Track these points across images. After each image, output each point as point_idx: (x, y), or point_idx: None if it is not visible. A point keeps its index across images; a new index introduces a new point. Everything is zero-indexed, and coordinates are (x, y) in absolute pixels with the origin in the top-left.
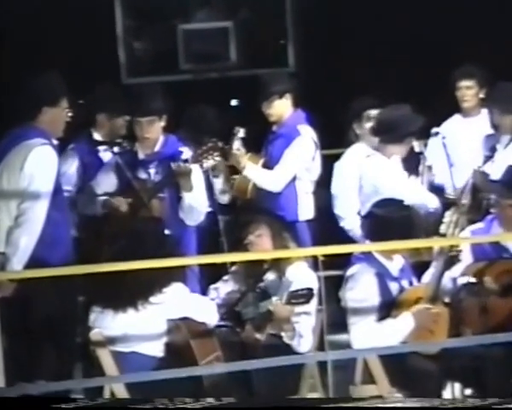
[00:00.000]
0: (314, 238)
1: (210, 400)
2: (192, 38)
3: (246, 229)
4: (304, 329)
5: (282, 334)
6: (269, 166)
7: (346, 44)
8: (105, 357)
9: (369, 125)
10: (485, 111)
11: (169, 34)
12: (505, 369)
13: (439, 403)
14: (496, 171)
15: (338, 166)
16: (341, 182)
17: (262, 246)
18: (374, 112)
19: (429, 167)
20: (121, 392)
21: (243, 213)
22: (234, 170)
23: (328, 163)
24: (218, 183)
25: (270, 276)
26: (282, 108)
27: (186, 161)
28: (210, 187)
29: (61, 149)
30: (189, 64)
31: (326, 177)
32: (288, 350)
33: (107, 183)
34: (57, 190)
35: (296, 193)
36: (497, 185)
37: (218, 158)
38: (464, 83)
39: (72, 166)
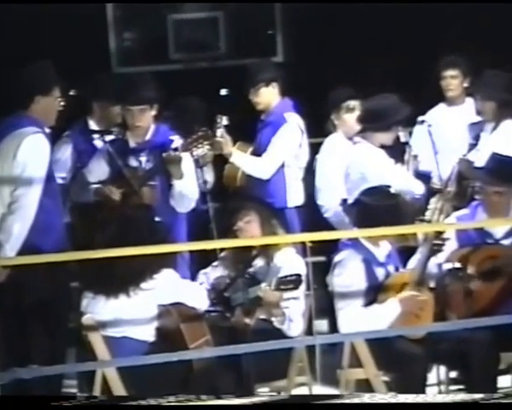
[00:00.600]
0: (302, 225)
1: (204, 397)
2: (182, 28)
3: (235, 215)
4: (293, 313)
5: (273, 319)
6: (257, 153)
7: (333, 34)
8: (97, 342)
9: (348, 115)
10: (469, 100)
11: (159, 24)
12: (489, 352)
13: (431, 398)
14: (480, 158)
15: (320, 159)
16: (324, 173)
17: (251, 232)
18: (354, 102)
19: (415, 156)
20: (113, 376)
21: (233, 199)
22: (224, 158)
23: (317, 151)
24: (208, 170)
25: (258, 262)
26: (268, 96)
27: (176, 149)
28: (200, 175)
29: (54, 138)
30: (179, 54)
31: (314, 164)
32: (277, 334)
33: (98, 171)
34: (50, 177)
35: (285, 180)
36: (482, 173)
37: (207, 146)
38: (449, 72)
39: (66, 154)
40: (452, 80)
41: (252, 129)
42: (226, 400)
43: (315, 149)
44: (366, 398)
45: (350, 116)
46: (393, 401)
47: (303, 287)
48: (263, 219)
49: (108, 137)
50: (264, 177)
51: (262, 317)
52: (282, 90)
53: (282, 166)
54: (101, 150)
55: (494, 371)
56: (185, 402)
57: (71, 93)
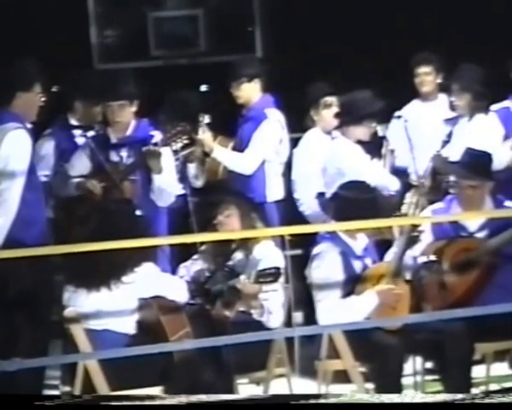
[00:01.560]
0: (282, 219)
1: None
2: (162, 25)
3: (215, 209)
4: (272, 305)
5: (252, 311)
6: (238, 148)
7: (311, 30)
8: (79, 334)
9: (326, 111)
10: (442, 96)
11: (140, 21)
12: (463, 343)
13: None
14: (455, 153)
15: (297, 153)
16: (300, 167)
17: (231, 226)
18: (332, 98)
19: (392, 151)
20: (94, 368)
21: (213, 193)
22: (206, 153)
23: (296, 146)
24: (192, 167)
25: (238, 255)
26: (249, 91)
27: (156, 144)
28: (182, 170)
29: (36, 133)
30: (159, 50)
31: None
32: (257, 326)
33: (80, 165)
34: (32, 172)
35: (265, 175)
36: (456, 167)
37: (186, 141)
38: (422, 69)
39: (49, 151)
40: (426, 77)
41: (232, 124)
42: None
43: (295, 144)
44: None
45: (327, 112)
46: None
47: (281, 280)
48: (243, 214)
49: (90, 133)
50: (247, 172)
51: (241, 309)
52: (264, 87)
53: (263, 161)
54: (83, 146)
55: (469, 362)
56: (166, 400)
57: (52, 89)
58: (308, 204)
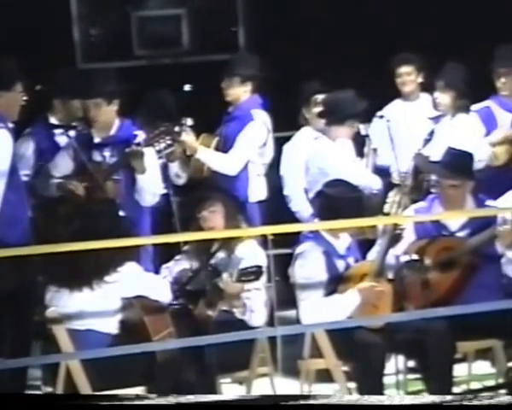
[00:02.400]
0: (265, 219)
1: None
2: (146, 25)
3: (201, 204)
4: (255, 304)
5: (234, 310)
6: (222, 147)
7: (296, 30)
8: (61, 334)
9: (316, 109)
10: (424, 95)
11: (123, 21)
12: (445, 341)
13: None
14: (436, 152)
15: (286, 149)
16: (289, 163)
17: (214, 222)
18: (321, 96)
19: (374, 150)
20: (76, 368)
21: (200, 189)
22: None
23: (281, 145)
24: (174, 167)
25: (220, 254)
26: (239, 92)
27: (139, 144)
28: (165, 169)
29: (17, 133)
30: (142, 50)
31: (279, 159)
32: (240, 325)
33: (63, 165)
34: (14, 172)
35: (248, 175)
36: (438, 166)
37: (169, 142)
38: (403, 69)
39: (29, 150)
40: (407, 77)
41: (216, 124)
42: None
43: (279, 143)
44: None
45: (318, 110)
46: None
47: (264, 279)
48: (228, 211)
49: (72, 133)
50: (231, 173)
51: (224, 308)
52: (254, 89)
53: (247, 162)
54: (65, 145)
55: (450, 360)
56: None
57: (35, 89)
58: (297, 202)
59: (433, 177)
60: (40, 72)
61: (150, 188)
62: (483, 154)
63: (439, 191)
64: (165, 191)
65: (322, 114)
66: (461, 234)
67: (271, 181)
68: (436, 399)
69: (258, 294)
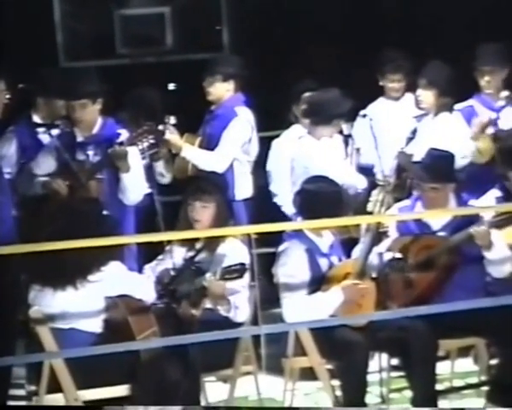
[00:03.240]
0: (251, 217)
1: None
2: (129, 23)
3: (196, 194)
4: (239, 300)
5: (219, 307)
6: (205, 145)
7: (279, 29)
8: (44, 334)
9: (302, 107)
10: (408, 94)
11: (106, 19)
12: (428, 339)
13: None
14: (419, 151)
15: (275, 145)
16: (276, 161)
17: (201, 217)
18: (307, 94)
19: (357, 149)
20: (60, 367)
21: (203, 180)
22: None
23: (265, 145)
24: (159, 166)
25: (204, 253)
26: (222, 90)
27: (122, 143)
28: (149, 169)
29: (0, 131)
30: (126, 48)
31: (263, 158)
32: (224, 324)
33: (45, 164)
34: None
35: (233, 173)
36: (419, 168)
37: (153, 141)
38: (395, 76)
39: (12, 148)
40: (397, 83)
41: (199, 123)
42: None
43: (264, 142)
44: None
45: None
46: None
47: (247, 277)
48: (217, 213)
49: (55, 131)
50: (218, 171)
51: (208, 307)
52: (237, 88)
53: (232, 159)
54: (48, 144)
55: (433, 358)
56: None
57: (18, 87)
58: (283, 198)
59: (415, 179)
60: (23, 70)
61: (134, 187)
62: (466, 151)
63: (420, 193)
64: (149, 190)
65: (308, 113)
66: (443, 233)
67: (257, 179)
68: None
69: (242, 290)
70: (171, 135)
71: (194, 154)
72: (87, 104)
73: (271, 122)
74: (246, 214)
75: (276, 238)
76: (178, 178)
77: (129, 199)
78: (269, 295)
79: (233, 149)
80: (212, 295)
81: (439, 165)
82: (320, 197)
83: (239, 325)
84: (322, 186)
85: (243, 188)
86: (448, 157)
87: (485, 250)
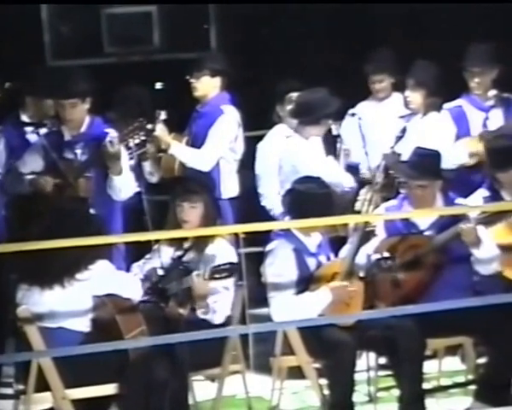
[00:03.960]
0: (237, 216)
1: None
2: (116, 22)
3: (184, 195)
4: (218, 304)
5: (197, 309)
6: (192, 144)
7: (267, 28)
8: (32, 333)
9: (289, 107)
10: (397, 94)
11: (93, 18)
12: (415, 339)
13: None
14: (407, 151)
15: (260, 147)
16: (263, 162)
17: (190, 217)
18: (294, 94)
19: (345, 148)
20: (48, 366)
21: (191, 180)
22: (162, 151)
23: (252, 144)
24: (147, 165)
25: (192, 252)
26: (208, 86)
27: (113, 142)
28: (137, 167)
29: None
30: (113, 47)
31: (250, 158)
32: (203, 326)
33: (33, 163)
34: None
35: (220, 172)
36: (406, 167)
37: (143, 138)
38: (376, 77)
39: (0, 149)
40: (379, 84)
41: (185, 121)
42: None
43: (250, 142)
44: None
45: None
46: None
47: (235, 277)
48: (206, 213)
49: (43, 130)
50: (205, 169)
51: (195, 307)
52: (224, 85)
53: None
54: (35, 143)
55: (421, 357)
56: None
57: (5, 86)
58: (271, 200)
59: (402, 177)
60: (10, 69)
61: (125, 188)
62: (454, 152)
63: (407, 192)
64: (137, 189)
65: (296, 113)
66: (430, 232)
67: (243, 178)
68: None
69: (225, 294)
70: (161, 131)
71: (181, 151)
72: (77, 103)
73: (259, 121)
74: (232, 213)
75: (263, 238)
76: (166, 178)
77: (119, 197)
78: (257, 295)
79: (219, 147)
80: (196, 294)
81: (425, 162)
82: (310, 197)
83: (218, 326)
84: (312, 186)
85: (229, 187)
86: (434, 155)
87: (473, 248)
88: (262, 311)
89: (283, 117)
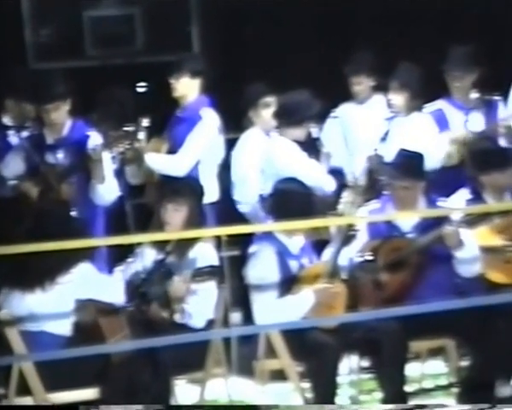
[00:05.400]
0: (218, 220)
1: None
2: (98, 24)
3: (170, 196)
4: (195, 309)
5: (174, 313)
6: (172, 150)
7: (249, 30)
8: (13, 337)
9: (265, 111)
10: (378, 96)
11: (75, 20)
12: (398, 341)
13: None
14: (389, 153)
15: (235, 154)
16: (240, 166)
17: (173, 219)
18: (270, 98)
19: (327, 150)
20: (30, 370)
21: (176, 183)
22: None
23: (232, 147)
24: (130, 170)
25: (174, 255)
26: (188, 87)
27: (96, 149)
28: (120, 172)
29: None
30: (95, 50)
31: (230, 160)
32: (184, 329)
33: (14, 166)
34: None
35: (199, 176)
36: (389, 168)
37: (128, 146)
38: (354, 79)
39: None
40: (358, 86)
41: (168, 124)
42: None
43: (230, 145)
44: None
45: (267, 112)
46: None
47: (216, 280)
48: (189, 217)
49: (24, 133)
50: (180, 174)
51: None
52: (203, 87)
53: (197, 162)
54: (17, 146)
55: (403, 360)
56: None
57: None
58: (249, 205)
59: (385, 178)
60: None
61: (109, 195)
62: (436, 153)
63: (390, 193)
64: (119, 193)
65: (278, 116)
66: (412, 234)
67: (225, 180)
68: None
69: (203, 298)
70: (139, 145)
71: (155, 160)
72: (59, 106)
73: (240, 124)
74: (213, 218)
75: (246, 240)
76: (147, 184)
77: (102, 203)
78: (239, 298)
79: (195, 152)
80: (175, 298)
81: (409, 163)
82: (293, 199)
83: (200, 329)
84: (294, 188)
85: (209, 191)
86: (418, 157)
87: (455, 249)
88: (245, 314)
89: (256, 121)
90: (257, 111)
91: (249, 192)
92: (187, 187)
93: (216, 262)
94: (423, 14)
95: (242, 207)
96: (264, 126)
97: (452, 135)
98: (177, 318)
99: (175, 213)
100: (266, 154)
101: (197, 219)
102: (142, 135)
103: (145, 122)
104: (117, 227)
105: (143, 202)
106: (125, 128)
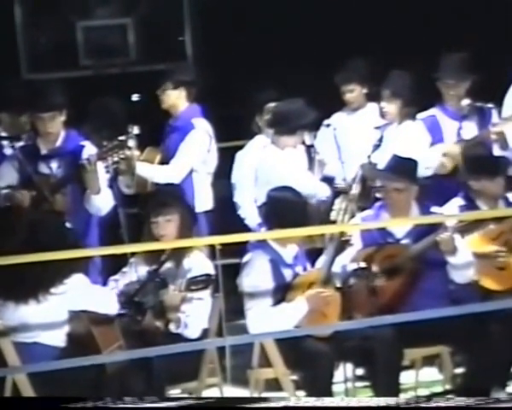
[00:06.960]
0: (212, 229)
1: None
2: (91, 35)
3: (159, 209)
4: (190, 319)
5: (169, 323)
6: (166, 159)
7: (242, 39)
8: (7, 348)
9: (266, 117)
10: (371, 104)
11: (69, 30)
12: (393, 349)
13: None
14: (382, 160)
15: (239, 156)
16: (240, 171)
17: (167, 231)
18: (273, 105)
19: (321, 158)
20: (23, 382)
21: (162, 194)
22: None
23: (225, 155)
24: (123, 179)
25: (168, 265)
26: (174, 98)
27: (90, 160)
28: (113, 181)
29: None
30: (88, 60)
31: (224, 169)
32: (178, 339)
33: (8, 177)
34: None
35: (193, 185)
36: (383, 173)
37: (122, 156)
38: (346, 87)
39: None
40: (349, 94)
41: (162, 134)
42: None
43: (223, 153)
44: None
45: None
46: None
47: (211, 289)
48: (182, 223)
49: (18, 144)
50: (175, 181)
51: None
52: (191, 96)
53: (190, 171)
54: (10, 157)
55: (398, 367)
56: None
57: None
58: (246, 210)
59: (378, 182)
60: None
61: (104, 206)
62: (430, 161)
63: (384, 196)
64: (113, 203)
65: (272, 123)
66: (406, 241)
67: (219, 189)
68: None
69: (198, 308)
70: (129, 153)
71: (147, 171)
72: (55, 116)
73: (233, 132)
74: (207, 227)
75: (240, 249)
76: (140, 193)
77: (97, 214)
78: (234, 307)
79: (188, 160)
80: (170, 308)
81: (402, 166)
82: (287, 207)
83: (195, 339)
84: (288, 196)
85: (203, 200)
86: (410, 161)
87: (449, 256)
88: (239, 323)
89: (262, 127)
90: (263, 117)
91: (246, 198)
92: (174, 195)
93: (211, 271)
94: (416, 22)
95: (240, 212)
96: (268, 132)
97: (445, 148)
98: (172, 328)
99: (167, 224)
100: (260, 162)
101: (190, 225)
102: (132, 143)
103: (136, 130)
104: (111, 237)
105: (137, 212)
106: (119, 138)
